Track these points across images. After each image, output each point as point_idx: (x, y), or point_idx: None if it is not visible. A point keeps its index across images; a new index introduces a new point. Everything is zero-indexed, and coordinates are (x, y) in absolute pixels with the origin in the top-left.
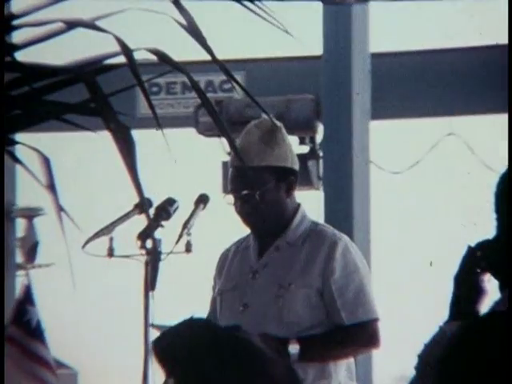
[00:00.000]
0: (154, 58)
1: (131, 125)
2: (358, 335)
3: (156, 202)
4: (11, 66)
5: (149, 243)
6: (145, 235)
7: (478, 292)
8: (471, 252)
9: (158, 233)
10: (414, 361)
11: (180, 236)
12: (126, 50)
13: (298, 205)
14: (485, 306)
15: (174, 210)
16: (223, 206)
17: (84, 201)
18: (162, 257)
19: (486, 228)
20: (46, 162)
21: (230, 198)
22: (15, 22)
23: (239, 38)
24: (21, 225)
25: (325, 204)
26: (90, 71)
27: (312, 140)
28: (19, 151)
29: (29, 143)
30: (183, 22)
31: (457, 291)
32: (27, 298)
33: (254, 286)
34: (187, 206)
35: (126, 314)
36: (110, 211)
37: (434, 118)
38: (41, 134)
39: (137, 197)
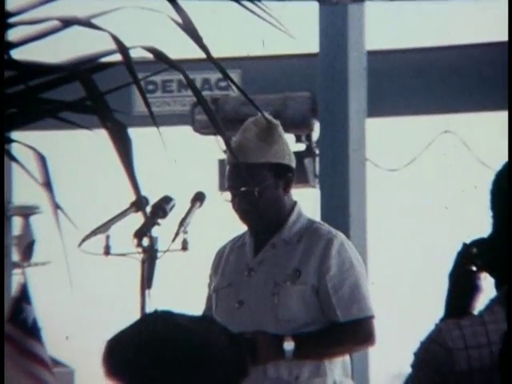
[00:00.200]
0: (149, 56)
1: (127, 123)
2: (353, 332)
3: (152, 200)
4: (7, 64)
5: (145, 241)
6: (141, 233)
7: (473, 289)
8: (466, 249)
9: (155, 231)
10: (411, 358)
11: (176, 234)
12: (122, 48)
13: (295, 202)
14: (480, 304)
15: (171, 208)
16: (220, 204)
17: (80, 199)
18: (159, 255)
19: (482, 225)
20: (42, 160)
21: (228, 195)
22: (11, 20)
23: (235, 36)
24: (17, 223)
25: (321, 202)
26: (85, 69)
27: (308, 138)
28: (15, 149)
29: (25, 141)
30: (179, 20)
31: (451, 288)
32: (23, 296)
33: (249, 284)
34: (184, 204)
35: (123, 312)
36: (106, 209)
37: (430, 115)
38: (37, 132)
39: (133, 195)
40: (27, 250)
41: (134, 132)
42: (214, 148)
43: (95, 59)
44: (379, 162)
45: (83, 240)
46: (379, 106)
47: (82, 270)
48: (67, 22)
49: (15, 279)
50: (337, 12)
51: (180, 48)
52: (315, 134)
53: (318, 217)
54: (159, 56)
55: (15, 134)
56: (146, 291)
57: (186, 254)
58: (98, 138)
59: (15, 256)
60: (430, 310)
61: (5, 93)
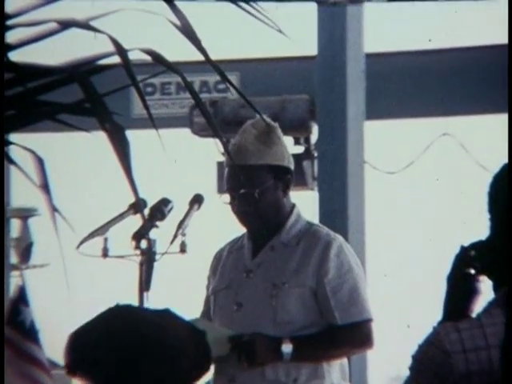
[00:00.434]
0: (148, 58)
1: (126, 125)
2: (351, 335)
3: (151, 203)
4: (5, 66)
5: (143, 243)
6: (139, 235)
7: (471, 292)
8: (464, 252)
9: (153, 233)
10: (409, 361)
11: (175, 236)
12: (121, 50)
13: (293, 205)
14: (478, 306)
15: (169, 211)
16: (218, 207)
17: (78, 201)
18: (157, 257)
19: (480, 228)
20: (40, 162)
21: (227, 197)
22: (9, 22)
23: (233, 39)
24: (15, 225)
25: (319, 204)
26: (84, 71)
27: (307, 140)
28: (13, 152)
29: (23, 144)
30: (177, 22)
31: (450, 291)
32: (21, 298)
33: (247, 286)
34: (182, 206)
35: None
36: (104, 211)
37: (428, 118)
38: (35, 134)
39: (131, 197)
40: (25, 252)
41: (132, 134)
42: (212, 150)
43: (93, 61)
44: (378, 165)
45: (81, 242)
46: (378, 108)
47: (80, 272)
48: (66, 24)
49: (13, 281)
50: (335, 15)
51: (178, 50)
52: (314, 137)
53: (317, 219)
54: (157, 58)
55: (13, 137)
56: (144, 293)
57: (184, 257)
58: (97, 141)
59: (13, 258)
60: (429, 313)
61: (3, 95)
